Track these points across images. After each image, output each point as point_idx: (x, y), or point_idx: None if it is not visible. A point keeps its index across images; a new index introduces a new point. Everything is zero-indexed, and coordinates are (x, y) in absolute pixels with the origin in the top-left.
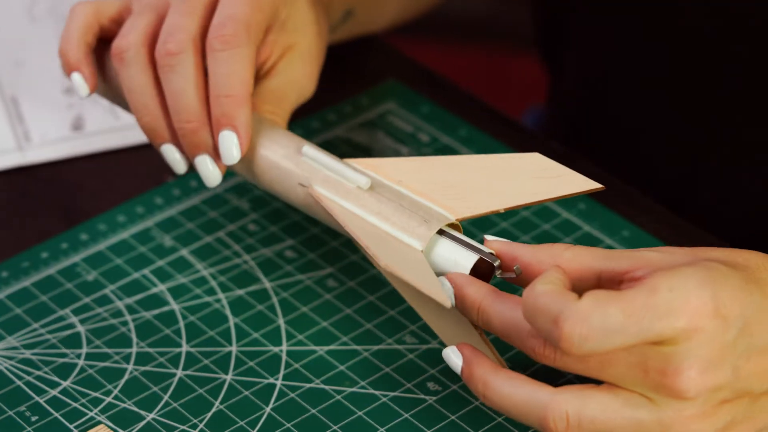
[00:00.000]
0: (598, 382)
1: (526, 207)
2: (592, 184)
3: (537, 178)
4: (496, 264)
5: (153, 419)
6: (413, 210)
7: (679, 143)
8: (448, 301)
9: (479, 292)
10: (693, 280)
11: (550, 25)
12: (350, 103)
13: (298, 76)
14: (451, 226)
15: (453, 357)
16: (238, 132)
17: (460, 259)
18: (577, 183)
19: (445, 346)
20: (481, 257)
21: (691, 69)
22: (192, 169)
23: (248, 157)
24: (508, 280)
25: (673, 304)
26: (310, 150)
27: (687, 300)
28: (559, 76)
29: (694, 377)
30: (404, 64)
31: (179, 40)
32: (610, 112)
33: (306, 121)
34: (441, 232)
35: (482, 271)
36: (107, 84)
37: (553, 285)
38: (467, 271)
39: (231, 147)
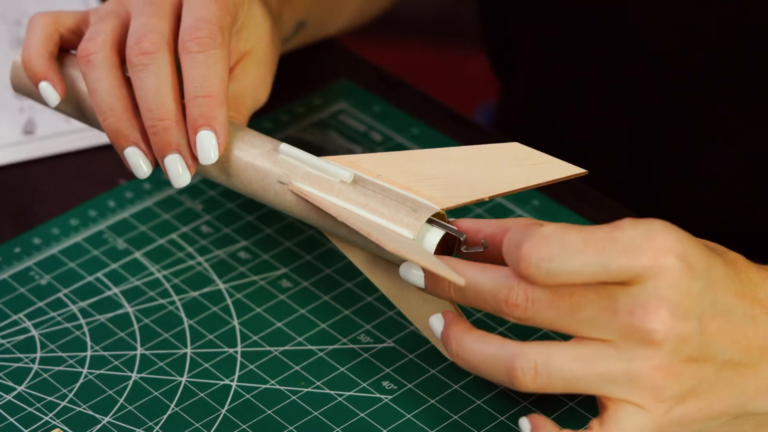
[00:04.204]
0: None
1: (499, 197)
2: (573, 169)
3: (518, 165)
4: (462, 238)
5: (108, 422)
6: (400, 201)
7: (628, 159)
8: (461, 279)
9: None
10: (659, 224)
11: (499, 45)
12: (302, 103)
13: (254, 82)
14: (437, 216)
15: (436, 322)
16: (217, 132)
17: (428, 234)
18: (559, 169)
19: (403, 343)
20: (446, 231)
21: (634, 85)
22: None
23: (222, 158)
24: (474, 255)
25: (637, 240)
26: (288, 148)
27: (652, 238)
28: (508, 90)
29: (662, 317)
30: (356, 63)
31: (154, 40)
32: (557, 126)
33: (259, 122)
34: (429, 221)
35: (448, 246)
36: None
37: (526, 221)
38: (435, 245)
39: (209, 147)
